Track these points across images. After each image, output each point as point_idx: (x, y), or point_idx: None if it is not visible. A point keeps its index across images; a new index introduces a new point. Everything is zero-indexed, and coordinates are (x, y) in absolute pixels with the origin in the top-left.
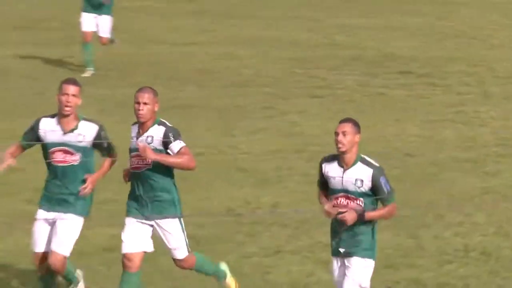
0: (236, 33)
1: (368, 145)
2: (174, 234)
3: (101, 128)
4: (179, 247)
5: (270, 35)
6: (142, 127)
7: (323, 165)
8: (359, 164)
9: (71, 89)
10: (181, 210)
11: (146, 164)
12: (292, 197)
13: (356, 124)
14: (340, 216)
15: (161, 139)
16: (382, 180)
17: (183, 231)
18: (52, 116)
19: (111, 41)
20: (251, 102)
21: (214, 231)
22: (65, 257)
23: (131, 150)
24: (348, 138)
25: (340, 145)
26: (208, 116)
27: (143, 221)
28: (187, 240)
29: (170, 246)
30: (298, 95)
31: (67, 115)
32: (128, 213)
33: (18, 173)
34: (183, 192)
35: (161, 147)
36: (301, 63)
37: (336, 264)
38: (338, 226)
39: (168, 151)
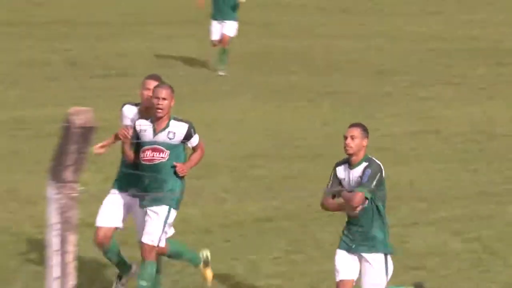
0: (380, 28)
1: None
2: (156, 219)
3: (191, 126)
4: (153, 233)
5: (411, 29)
6: (158, 122)
7: (337, 169)
8: (363, 163)
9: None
10: (177, 204)
11: (161, 158)
12: (428, 174)
13: (364, 129)
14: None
15: (184, 134)
16: (367, 172)
17: (165, 221)
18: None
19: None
20: (392, 89)
21: None
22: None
23: (144, 144)
24: (356, 141)
25: (347, 148)
26: (353, 102)
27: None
28: (165, 232)
29: (145, 229)
30: (435, 82)
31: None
32: (119, 188)
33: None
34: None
35: (179, 142)
36: (439, 54)
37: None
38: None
39: (188, 143)
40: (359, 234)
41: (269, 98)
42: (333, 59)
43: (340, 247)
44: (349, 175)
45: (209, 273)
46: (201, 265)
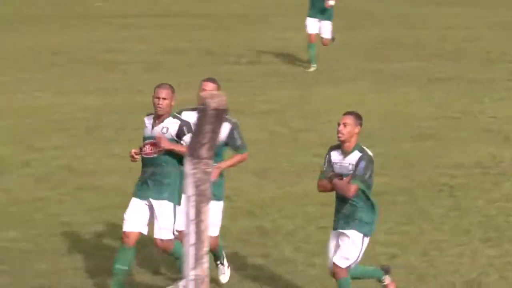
0: (484, 19)
1: None
2: (165, 216)
3: (234, 126)
4: (166, 228)
5: None
6: (158, 118)
7: (331, 153)
8: (355, 152)
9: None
10: (179, 198)
11: (158, 151)
12: None
13: (357, 117)
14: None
15: (176, 131)
16: (362, 164)
17: (174, 216)
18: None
19: (332, 39)
20: (497, 76)
21: (465, 180)
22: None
23: (144, 138)
24: (348, 129)
25: (340, 135)
26: (462, 87)
27: (145, 202)
28: (174, 226)
29: (158, 225)
30: None
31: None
32: (134, 194)
33: (309, 133)
34: (439, 150)
35: (173, 137)
36: None
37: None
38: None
39: (182, 141)
40: (344, 215)
41: (385, 83)
42: (444, 48)
43: (332, 230)
44: (342, 160)
45: None
46: None
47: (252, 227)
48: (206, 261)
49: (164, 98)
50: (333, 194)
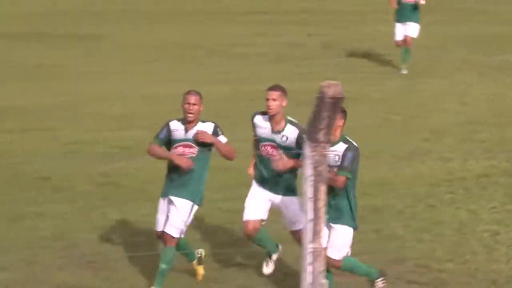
0: None
1: None
2: (180, 212)
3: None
4: (176, 225)
5: None
6: (190, 123)
7: None
8: (341, 143)
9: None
10: (199, 201)
11: (191, 153)
12: None
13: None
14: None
15: (212, 132)
16: (349, 155)
17: (188, 215)
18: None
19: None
20: None
21: None
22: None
23: (175, 141)
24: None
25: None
26: None
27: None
28: (185, 226)
29: (171, 218)
30: None
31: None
32: (162, 193)
33: (417, 119)
34: None
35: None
36: None
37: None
38: None
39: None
40: (330, 206)
41: (490, 75)
42: None
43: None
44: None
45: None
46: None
47: (366, 205)
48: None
49: (194, 104)
50: (441, 175)
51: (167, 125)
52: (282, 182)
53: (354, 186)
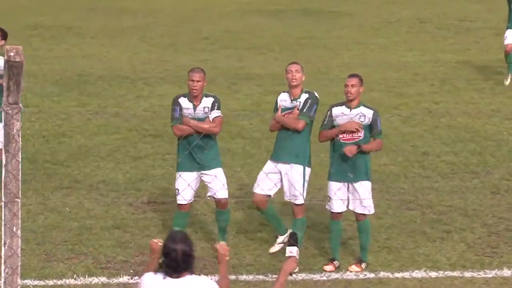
0: None
1: None
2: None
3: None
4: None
5: None
6: (196, 100)
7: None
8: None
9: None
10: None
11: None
12: None
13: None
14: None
15: (210, 107)
16: (309, 101)
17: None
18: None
19: None
20: None
21: None
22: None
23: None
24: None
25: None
26: None
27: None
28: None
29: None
30: None
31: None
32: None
33: None
34: None
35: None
36: None
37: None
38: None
39: (209, 115)
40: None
41: None
42: None
43: None
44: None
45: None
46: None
47: None
48: None
49: (198, 81)
50: None
51: (178, 103)
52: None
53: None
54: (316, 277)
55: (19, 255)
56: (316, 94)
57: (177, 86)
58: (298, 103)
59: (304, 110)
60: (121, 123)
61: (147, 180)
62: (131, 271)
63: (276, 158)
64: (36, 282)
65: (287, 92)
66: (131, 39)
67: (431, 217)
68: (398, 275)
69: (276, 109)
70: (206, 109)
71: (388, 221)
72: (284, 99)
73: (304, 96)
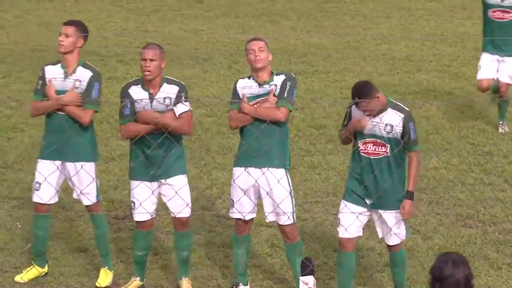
0: None
1: None
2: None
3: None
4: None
5: None
6: (152, 86)
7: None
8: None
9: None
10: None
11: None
12: None
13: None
14: None
15: (175, 95)
16: (288, 86)
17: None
18: None
19: None
20: None
21: None
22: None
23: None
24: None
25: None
26: None
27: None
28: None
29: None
30: None
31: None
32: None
33: None
34: None
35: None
36: None
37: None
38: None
39: (174, 108)
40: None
41: None
42: None
43: None
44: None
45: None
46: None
47: None
48: None
49: (151, 60)
50: None
51: (127, 94)
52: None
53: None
54: None
55: None
56: (293, 75)
57: None
58: (273, 87)
59: (285, 95)
60: None
61: (122, 188)
62: None
63: (247, 163)
64: None
65: (249, 77)
66: (102, 3)
67: (496, 237)
68: None
69: (235, 100)
70: (168, 100)
71: (438, 242)
72: (247, 86)
73: (280, 78)
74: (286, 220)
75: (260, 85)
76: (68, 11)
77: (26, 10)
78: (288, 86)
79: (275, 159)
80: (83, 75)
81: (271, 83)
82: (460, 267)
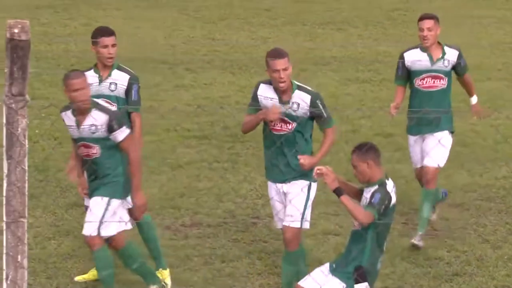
0: None
1: None
2: None
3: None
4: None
5: None
6: (82, 114)
7: None
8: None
9: None
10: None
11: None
12: None
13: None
14: None
15: (106, 125)
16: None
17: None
18: None
19: None
20: None
21: None
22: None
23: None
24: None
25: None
26: None
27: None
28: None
29: None
30: None
31: None
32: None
33: None
34: None
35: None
36: None
37: None
38: None
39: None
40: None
41: None
42: None
43: None
44: None
45: None
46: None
47: None
48: None
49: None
50: None
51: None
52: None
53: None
54: None
55: None
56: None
57: (229, 73)
58: (295, 107)
59: (325, 116)
60: (155, 120)
61: (189, 196)
62: None
63: (269, 176)
64: None
65: (271, 84)
66: (169, 12)
67: None
68: None
69: (255, 104)
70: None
71: (508, 252)
72: (268, 97)
73: (304, 96)
74: (291, 221)
75: (281, 101)
76: (136, 19)
77: (93, 18)
78: (320, 105)
79: (298, 172)
80: (120, 77)
81: (293, 101)
82: None
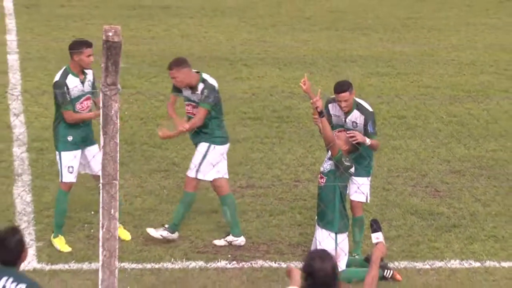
0: None
1: None
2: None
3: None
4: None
5: None
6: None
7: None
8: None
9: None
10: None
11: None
12: None
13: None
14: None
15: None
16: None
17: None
18: None
19: None
20: None
21: None
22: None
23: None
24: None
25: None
26: None
27: None
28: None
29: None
30: None
31: None
32: None
33: None
34: None
35: None
36: None
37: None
38: None
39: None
40: None
41: None
42: None
43: None
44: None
45: None
46: None
47: None
48: None
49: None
50: None
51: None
52: None
53: None
54: (419, 265)
55: (117, 237)
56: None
57: (277, 68)
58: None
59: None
60: None
61: (245, 164)
62: (229, 256)
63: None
64: (134, 265)
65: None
66: (231, 19)
67: None
68: (505, 264)
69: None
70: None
71: (495, 209)
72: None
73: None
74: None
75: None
76: (204, 25)
77: (172, 25)
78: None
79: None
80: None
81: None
82: (326, 261)
